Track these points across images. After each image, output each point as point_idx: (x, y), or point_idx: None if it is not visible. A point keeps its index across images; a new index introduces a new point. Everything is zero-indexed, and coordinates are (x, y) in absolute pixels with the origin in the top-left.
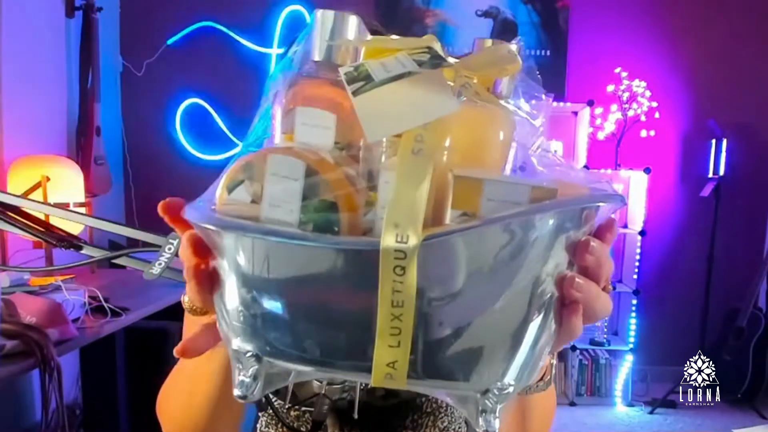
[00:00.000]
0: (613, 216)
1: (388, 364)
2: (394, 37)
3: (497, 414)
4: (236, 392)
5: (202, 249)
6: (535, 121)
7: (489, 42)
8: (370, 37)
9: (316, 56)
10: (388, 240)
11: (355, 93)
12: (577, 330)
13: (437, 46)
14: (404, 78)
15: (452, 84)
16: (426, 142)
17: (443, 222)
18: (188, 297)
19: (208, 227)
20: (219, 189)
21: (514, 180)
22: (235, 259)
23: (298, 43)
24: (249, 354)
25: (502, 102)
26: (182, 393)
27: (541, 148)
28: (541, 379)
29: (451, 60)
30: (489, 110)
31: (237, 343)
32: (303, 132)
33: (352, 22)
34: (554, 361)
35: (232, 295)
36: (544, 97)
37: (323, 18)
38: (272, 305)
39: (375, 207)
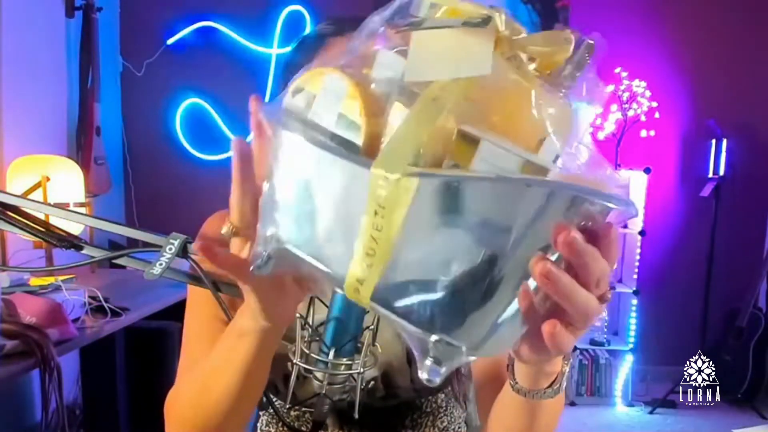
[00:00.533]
0: (612, 224)
1: (358, 279)
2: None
3: (441, 370)
4: (251, 267)
5: (246, 159)
6: (588, 113)
7: (557, 29)
8: None
9: (417, 12)
10: (378, 166)
11: (413, 27)
12: (554, 338)
13: (497, 15)
14: (446, 28)
15: (501, 53)
16: (445, 94)
17: (434, 165)
18: (232, 208)
19: (270, 120)
20: (287, 92)
21: (511, 148)
22: (283, 150)
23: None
24: (270, 234)
25: (549, 87)
26: (195, 391)
27: (579, 142)
28: (550, 386)
29: (502, 30)
30: (521, 85)
31: (262, 227)
32: (379, 71)
33: None
34: (566, 369)
35: (273, 184)
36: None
37: None
38: (291, 197)
39: (385, 136)
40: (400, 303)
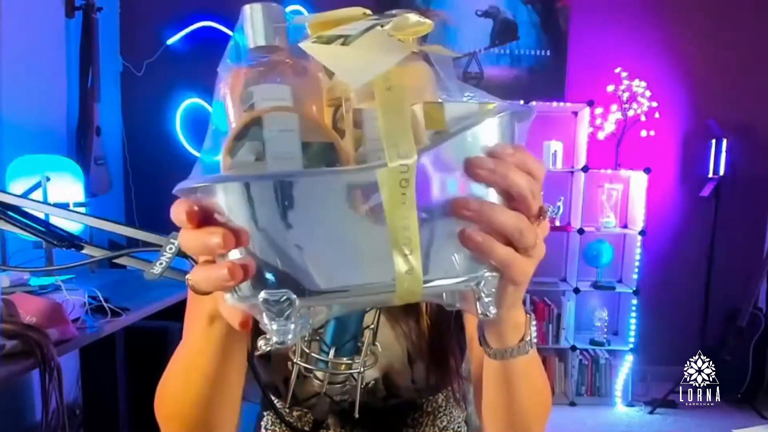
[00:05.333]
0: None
1: (406, 271)
2: (328, 12)
3: (492, 299)
4: (275, 340)
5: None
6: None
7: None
8: (307, 15)
9: (254, 43)
10: (392, 158)
11: (343, 44)
12: (490, 252)
13: (369, 12)
14: (371, 30)
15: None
16: (393, 81)
17: (421, 142)
18: (194, 278)
19: (248, 181)
20: (221, 156)
21: (466, 100)
22: (260, 209)
23: (233, 40)
24: (283, 298)
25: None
26: (179, 381)
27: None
28: (522, 339)
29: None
30: (416, 60)
31: (264, 294)
32: (264, 106)
33: (278, 9)
34: (532, 326)
35: (258, 246)
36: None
37: (252, 10)
38: (296, 245)
39: (364, 142)
40: (443, 268)
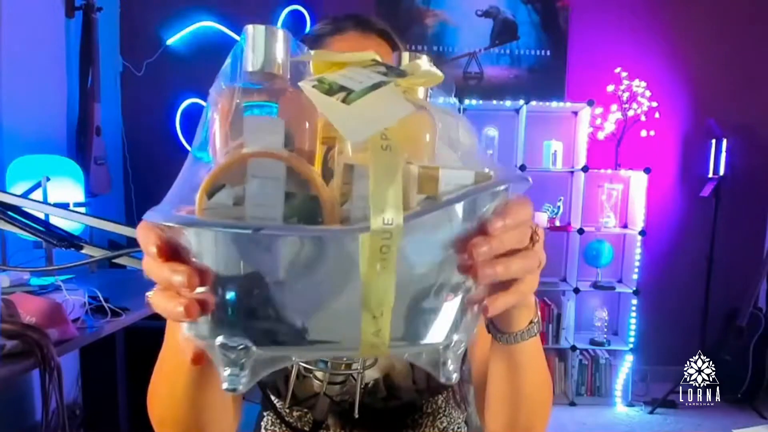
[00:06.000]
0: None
1: (373, 333)
2: (336, 52)
3: (456, 366)
4: (225, 386)
5: (175, 256)
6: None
7: (407, 56)
8: (311, 51)
9: (253, 67)
10: (376, 222)
11: (344, 101)
12: (496, 305)
13: (379, 59)
14: (379, 88)
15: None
16: (391, 139)
17: (410, 206)
18: (152, 300)
19: (215, 229)
20: (198, 195)
21: (462, 167)
22: (230, 257)
23: (231, 57)
24: (240, 347)
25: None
26: (165, 385)
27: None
28: (531, 322)
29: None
30: (424, 112)
31: (222, 338)
32: (253, 139)
33: (283, 35)
34: (537, 312)
35: (222, 291)
36: (453, 99)
37: (255, 31)
38: (264, 296)
39: (351, 198)
40: (411, 333)
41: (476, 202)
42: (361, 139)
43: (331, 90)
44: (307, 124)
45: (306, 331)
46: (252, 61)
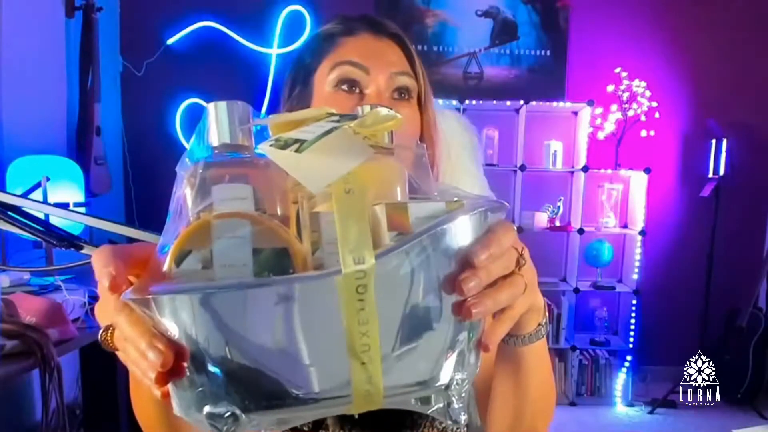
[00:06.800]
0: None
1: (365, 380)
2: (290, 113)
3: (463, 405)
4: None
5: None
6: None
7: (368, 107)
8: (269, 116)
9: (218, 141)
10: (348, 264)
11: (297, 151)
12: (496, 334)
13: (334, 111)
14: (331, 133)
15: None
16: (353, 183)
17: (382, 244)
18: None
19: (190, 293)
20: (166, 263)
21: (431, 199)
22: (204, 321)
23: (196, 135)
24: (227, 414)
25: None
26: (143, 387)
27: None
28: (539, 324)
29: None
30: (386, 157)
31: (209, 407)
32: (223, 207)
33: (244, 107)
34: (546, 315)
35: (201, 361)
36: (416, 144)
37: (217, 108)
38: (247, 358)
39: (321, 245)
40: (406, 375)
41: (454, 232)
42: (321, 185)
43: (285, 145)
44: (277, 188)
45: (294, 389)
46: (217, 136)
